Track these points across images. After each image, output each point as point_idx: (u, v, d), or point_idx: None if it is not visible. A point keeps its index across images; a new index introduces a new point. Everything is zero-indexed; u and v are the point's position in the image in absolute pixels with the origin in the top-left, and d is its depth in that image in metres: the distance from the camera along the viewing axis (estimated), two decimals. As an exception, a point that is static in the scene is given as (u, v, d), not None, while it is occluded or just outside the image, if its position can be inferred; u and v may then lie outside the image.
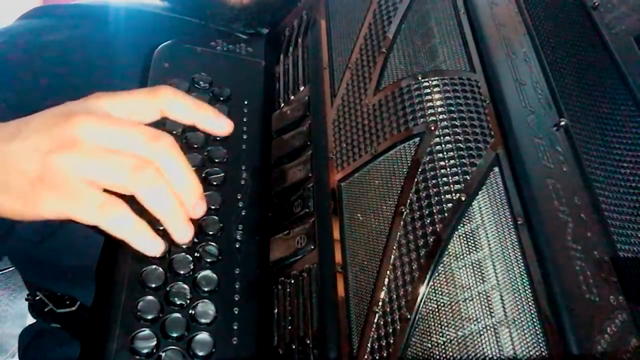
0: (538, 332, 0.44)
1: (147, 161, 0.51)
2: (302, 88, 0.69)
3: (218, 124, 0.60)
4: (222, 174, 0.65)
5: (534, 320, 0.44)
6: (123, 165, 0.50)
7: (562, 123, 0.57)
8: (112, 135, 0.50)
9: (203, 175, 0.64)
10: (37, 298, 0.80)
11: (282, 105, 0.71)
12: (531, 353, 0.43)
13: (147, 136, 0.52)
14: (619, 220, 0.54)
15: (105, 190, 0.51)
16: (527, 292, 0.45)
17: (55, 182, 0.49)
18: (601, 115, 0.61)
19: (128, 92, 0.55)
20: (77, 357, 0.79)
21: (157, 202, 0.51)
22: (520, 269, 0.46)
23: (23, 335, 0.90)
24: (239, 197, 0.65)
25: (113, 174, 0.50)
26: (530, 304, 0.45)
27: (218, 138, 0.68)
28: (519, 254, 0.47)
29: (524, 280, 0.46)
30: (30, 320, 0.89)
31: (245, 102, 0.73)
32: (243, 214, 0.64)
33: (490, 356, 0.44)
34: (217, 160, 0.66)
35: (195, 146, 0.66)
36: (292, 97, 0.70)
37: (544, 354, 0.43)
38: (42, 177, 0.49)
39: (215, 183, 0.64)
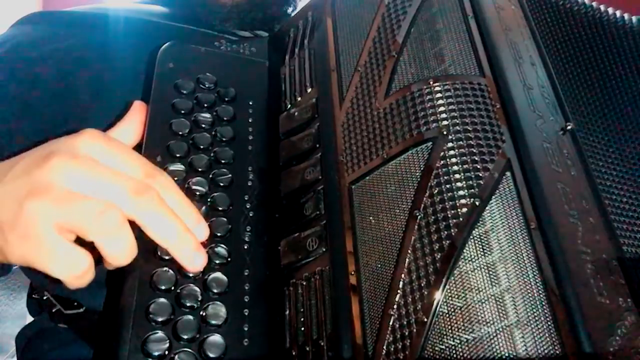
0: (552, 335, 0.45)
1: (146, 187, 0.50)
2: (309, 90, 0.69)
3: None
4: (230, 175, 0.65)
5: (548, 322, 0.45)
6: (95, 210, 0.47)
7: (569, 127, 0.58)
8: (91, 183, 0.48)
9: (211, 176, 0.64)
10: (45, 298, 0.79)
11: (289, 106, 0.71)
12: (545, 355, 0.44)
13: (131, 188, 0.49)
14: (625, 223, 0.55)
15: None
16: (540, 295, 0.46)
17: (23, 230, 0.47)
18: (606, 119, 0.62)
19: (126, 148, 0.53)
20: (77, 357, 0.79)
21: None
22: (534, 272, 0.47)
23: (20, 336, 0.89)
24: (246, 199, 0.65)
25: (83, 219, 0.47)
26: (544, 306, 0.46)
27: (225, 139, 0.68)
28: (532, 257, 0.48)
29: (538, 283, 0.47)
30: (30, 320, 0.88)
31: (250, 103, 0.73)
32: (251, 215, 0.64)
33: (505, 358, 0.45)
34: (223, 162, 0.66)
35: (202, 147, 0.66)
36: (299, 99, 0.70)
37: (558, 355, 0.44)
38: (13, 224, 0.47)
39: (222, 184, 0.64)
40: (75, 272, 0.48)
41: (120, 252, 0.49)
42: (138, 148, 0.60)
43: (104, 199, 0.48)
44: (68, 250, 0.47)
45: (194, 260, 0.53)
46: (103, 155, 0.50)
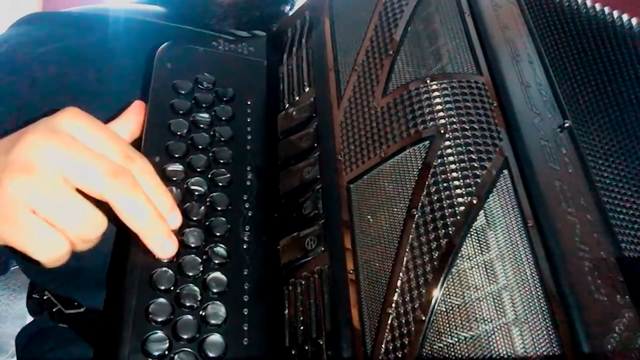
0: (550, 332, 0.45)
1: (122, 170, 0.49)
2: (307, 89, 0.69)
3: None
4: (228, 175, 0.65)
5: (546, 320, 0.45)
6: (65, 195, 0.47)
7: (567, 125, 0.58)
8: (67, 161, 0.47)
9: (209, 176, 0.64)
10: (45, 297, 0.79)
11: (287, 106, 0.71)
12: (544, 352, 0.44)
13: (107, 170, 0.48)
14: (623, 221, 0.55)
15: None
16: (538, 292, 0.46)
17: (1, 209, 0.46)
18: (603, 116, 0.62)
19: (107, 129, 0.52)
20: (77, 357, 0.79)
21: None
22: (532, 270, 0.47)
23: (20, 336, 0.89)
24: (245, 198, 0.65)
25: (54, 201, 0.47)
26: (542, 304, 0.46)
27: (223, 139, 0.68)
28: (530, 255, 0.48)
29: (536, 281, 0.47)
30: (30, 320, 0.89)
31: (249, 102, 0.73)
32: (250, 215, 0.64)
33: (504, 356, 0.45)
34: (222, 161, 0.66)
35: (200, 147, 0.66)
36: (297, 98, 0.70)
37: (556, 353, 0.44)
38: None
39: (221, 184, 0.64)
40: (54, 253, 0.47)
41: (88, 229, 0.48)
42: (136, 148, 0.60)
43: (78, 177, 0.47)
44: (45, 231, 0.47)
45: (163, 245, 0.52)
46: (82, 134, 0.49)
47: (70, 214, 0.47)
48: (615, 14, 0.72)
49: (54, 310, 0.78)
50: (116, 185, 0.48)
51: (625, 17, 0.73)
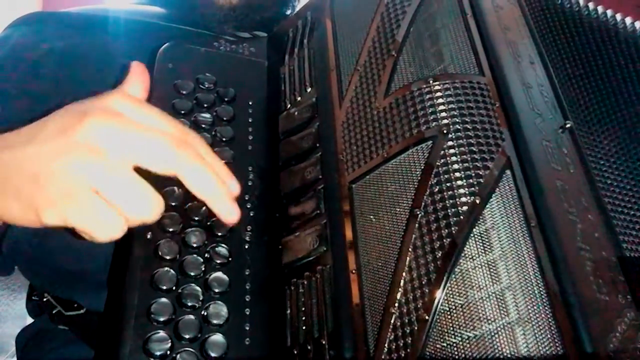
0: (552, 331, 0.45)
1: (185, 142, 0.50)
2: (309, 89, 0.69)
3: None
4: (230, 175, 0.65)
5: (548, 319, 0.46)
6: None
7: (568, 125, 0.58)
8: (133, 141, 0.48)
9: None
10: (45, 299, 0.79)
11: (289, 106, 0.71)
12: (546, 352, 0.45)
13: (172, 144, 0.49)
14: (624, 220, 0.55)
15: None
16: (541, 292, 0.47)
17: (62, 189, 0.47)
18: (604, 117, 0.63)
19: (155, 108, 0.52)
20: (77, 357, 0.79)
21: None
22: (534, 270, 0.47)
23: (20, 336, 0.89)
24: (246, 198, 0.65)
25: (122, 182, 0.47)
26: (544, 303, 0.46)
27: (224, 139, 0.68)
28: (533, 255, 0.48)
29: (538, 281, 0.47)
30: (30, 320, 0.88)
31: (250, 103, 0.73)
32: (251, 214, 0.64)
33: (507, 355, 0.45)
34: (224, 162, 0.66)
35: (202, 147, 0.66)
36: (299, 99, 0.70)
37: (558, 352, 0.44)
38: (51, 184, 0.47)
39: (223, 184, 0.64)
40: (113, 234, 0.48)
41: (148, 212, 0.49)
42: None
43: (146, 155, 0.48)
44: (107, 212, 0.47)
45: (231, 210, 0.53)
46: (136, 113, 0.50)
47: (133, 196, 0.48)
48: (615, 15, 0.72)
49: (53, 312, 0.78)
50: (183, 156, 0.49)
51: (624, 18, 0.73)
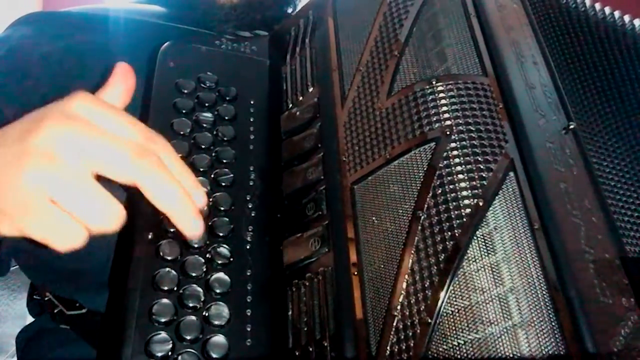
0: (556, 334, 0.45)
1: (148, 150, 0.47)
2: (310, 89, 0.69)
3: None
4: (231, 175, 0.65)
5: (552, 322, 0.45)
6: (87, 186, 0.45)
7: (571, 126, 0.58)
8: (90, 148, 0.45)
9: (212, 176, 0.64)
10: (47, 299, 0.79)
11: (291, 106, 0.71)
12: (550, 354, 0.44)
13: (133, 152, 0.46)
14: (627, 222, 0.55)
15: None
16: (544, 295, 0.46)
17: (18, 199, 0.44)
18: (608, 118, 0.62)
19: (121, 111, 0.50)
20: (77, 357, 0.79)
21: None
22: (538, 273, 0.47)
23: (20, 336, 0.89)
24: (248, 198, 0.65)
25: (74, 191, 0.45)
26: (547, 306, 0.46)
27: (226, 138, 0.68)
28: (536, 257, 0.48)
29: (541, 284, 0.47)
30: (30, 320, 0.88)
31: (252, 102, 0.73)
32: (253, 215, 0.64)
33: (510, 358, 0.45)
34: (225, 161, 0.66)
35: (203, 147, 0.66)
36: (301, 98, 0.70)
37: (562, 355, 0.44)
38: (7, 193, 0.45)
39: (224, 184, 0.64)
40: (73, 243, 0.46)
41: (108, 220, 0.47)
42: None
43: (103, 162, 0.45)
44: (66, 222, 0.45)
45: (193, 225, 0.50)
46: (98, 117, 0.47)
47: (92, 205, 0.45)
48: (618, 14, 0.72)
49: (55, 311, 0.78)
50: (143, 165, 0.46)
51: (628, 18, 0.73)
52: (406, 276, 0.50)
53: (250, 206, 0.65)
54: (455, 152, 0.52)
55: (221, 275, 0.58)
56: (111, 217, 0.46)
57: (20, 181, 0.44)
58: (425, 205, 0.51)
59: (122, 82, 0.53)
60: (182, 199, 0.48)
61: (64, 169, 0.45)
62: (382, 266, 0.52)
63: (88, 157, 0.45)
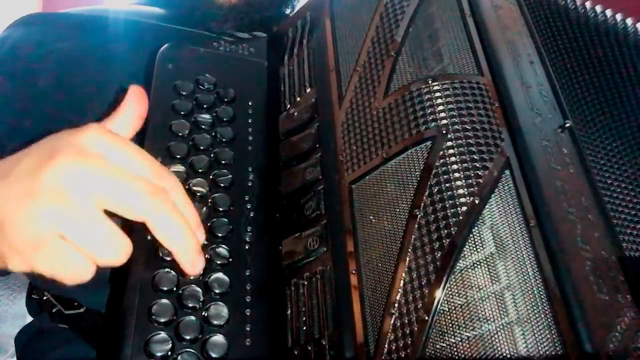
0: (552, 331, 0.45)
1: (159, 189, 0.47)
2: (308, 90, 0.69)
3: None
4: (230, 176, 0.65)
5: (548, 319, 0.46)
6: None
7: (567, 125, 0.58)
8: (103, 185, 0.45)
9: (211, 177, 0.64)
10: (45, 298, 0.79)
11: (289, 106, 0.71)
12: (546, 352, 0.45)
13: (145, 190, 0.46)
14: (624, 220, 0.55)
15: None
16: (540, 292, 0.47)
17: (29, 236, 0.44)
18: (604, 116, 0.63)
19: (133, 145, 0.50)
20: (77, 357, 0.79)
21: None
22: (534, 270, 0.47)
23: (20, 336, 0.89)
24: (247, 199, 0.65)
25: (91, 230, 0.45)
26: (544, 303, 0.46)
27: (225, 139, 0.68)
28: (532, 255, 0.48)
29: (538, 281, 0.47)
30: (30, 320, 0.88)
31: (250, 103, 0.73)
32: (251, 215, 0.64)
33: (506, 355, 0.45)
34: (224, 162, 0.66)
35: (202, 148, 0.66)
36: (299, 99, 0.70)
37: (558, 352, 0.44)
38: (17, 229, 0.45)
39: (223, 185, 0.65)
40: (82, 278, 0.46)
41: (117, 256, 0.48)
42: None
43: (115, 200, 0.46)
44: (75, 257, 0.45)
45: (196, 263, 0.52)
46: (110, 152, 0.47)
47: (102, 241, 0.46)
48: (615, 14, 0.72)
49: (53, 310, 0.78)
50: (155, 205, 0.47)
51: (622, 18, 0.73)
52: (403, 274, 0.50)
53: (249, 206, 0.65)
54: (451, 151, 0.52)
55: (220, 275, 0.58)
56: (119, 251, 0.47)
57: (32, 218, 0.44)
58: (422, 204, 0.52)
59: (135, 107, 0.53)
60: (188, 240, 0.50)
61: (76, 207, 0.45)
62: (380, 265, 0.53)
63: (100, 195, 0.45)
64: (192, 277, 0.57)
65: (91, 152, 0.46)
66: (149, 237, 0.58)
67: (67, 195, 0.44)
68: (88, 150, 0.46)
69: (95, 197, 0.45)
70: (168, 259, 0.57)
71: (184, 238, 0.49)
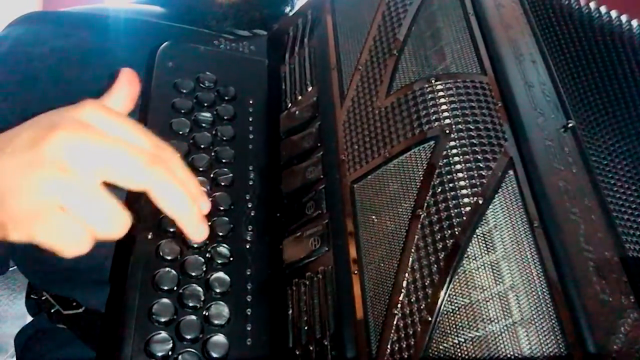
0: (556, 332, 0.45)
1: (158, 158, 0.48)
2: (309, 88, 0.69)
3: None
4: (231, 175, 0.65)
5: (552, 320, 0.45)
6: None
7: (570, 125, 0.58)
8: (103, 156, 0.46)
9: (212, 176, 0.64)
10: (44, 298, 0.79)
11: (290, 105, 0.71)
12: (550, 352, 0.44)
13: (146, 159, 0.47)
14: (627, 220, 0.55)
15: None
16: (544, 292, 0.46)
17: (29, 206, 0.44)
18: (607, 116, 0.62)
19: (130, 119, 0.50)
20: (76, 357, 0.79)
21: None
22: (537, 270, 0.47)
23: (20, 336, 0.89)
24: (247, 198, 0.65)
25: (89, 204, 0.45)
26: (547, 304, 0.46)
27: (225, 138, 0.68)
28: (536, 255, 0.48)
29: (541, 281, 0.47)
30: (30, 320, 0.88)
31: (251, 102, 0.73)
32: (252, 214, 0.64)
33: (510, 356, 0.45)
34: (224, 161, 0.66)
35: (202, 147, 0.66)
36: (300, 98, 0.70)
37: (562, 353, 0.44)
38: (17, 200, 0.45)
39: (223, 184, 0.64)
40: (80, 249, 0.46)
41: (116, 228, 0.47)
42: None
43: (117, 170, 0.46)
44: (75, 229, 0.46)
45: (199, 230, 0.51)
46: (109, 125, 0.48)
47: (101, 212, 0.46)
48: (615, 14, 0.72)
49: (52, 310, 0.78)
50: (155, 173, 0.47)
51: (625, 18, 0.73)
52: (406, 274, 0.50)
53: (249, 206, 0.65)
54: (454, 151, 0.52)
55: (221, 274, 0.58)
56: (118, 223, 0.47)
57: (32, 190, 0.45)
58: (425, 204, 0.51)
59: (126, 88, 0.53)
60: (190, 206, 0.49)
61: (76, 178, 0.45)
62: (382, 265, 0.52)
63: (101, 166, 0.46)
64: (195, 245, 0.57)
65: (90, 125, 0.47)
66: (149, 237, 0.58)
67: (68, 166, 0.45)
68: (87, 123, 0.47)
69: (96, 168, 0.46)
70: (169, 257, 0.57)
71: (185, 203, 0.49)
